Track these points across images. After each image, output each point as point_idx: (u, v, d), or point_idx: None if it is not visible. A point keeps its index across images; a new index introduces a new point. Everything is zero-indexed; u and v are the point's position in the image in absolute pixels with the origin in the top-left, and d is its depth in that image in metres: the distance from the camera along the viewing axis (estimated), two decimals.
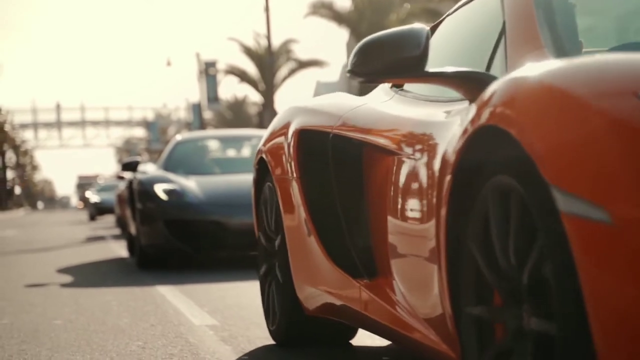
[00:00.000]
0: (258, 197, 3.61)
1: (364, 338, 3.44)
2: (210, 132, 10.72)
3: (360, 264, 2.73)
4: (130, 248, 9.24)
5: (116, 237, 14.59)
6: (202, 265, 7.78)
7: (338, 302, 2.88)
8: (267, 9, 27.47)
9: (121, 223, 15.40)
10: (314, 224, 2.97)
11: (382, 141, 2.63)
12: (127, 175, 9.52)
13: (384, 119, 2.70)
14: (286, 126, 3.25)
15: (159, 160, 8.93)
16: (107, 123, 72.26)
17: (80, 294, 5.81)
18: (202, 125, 41.33)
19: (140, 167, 8.46)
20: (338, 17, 32.07)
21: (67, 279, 6.99)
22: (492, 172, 1.82)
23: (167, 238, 7.32)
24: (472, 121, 1.86)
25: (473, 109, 1.89)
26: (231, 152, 9.23)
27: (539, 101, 1.63)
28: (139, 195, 7.66)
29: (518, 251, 1.76)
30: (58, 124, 71.05)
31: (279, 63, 37.28)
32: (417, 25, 2.29)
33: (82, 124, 71.93)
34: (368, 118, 2.79)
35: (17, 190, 69.32)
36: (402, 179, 2.42)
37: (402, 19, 25.37)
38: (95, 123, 72.37)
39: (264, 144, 3.44)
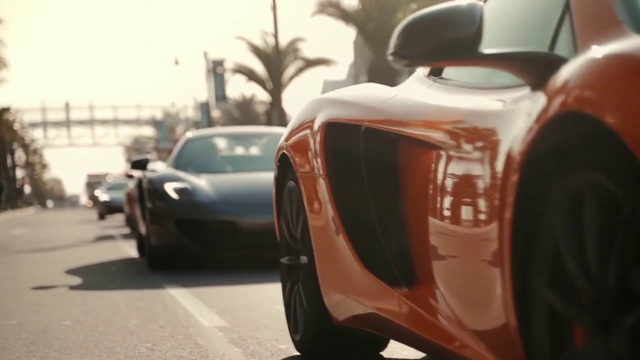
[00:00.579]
0: (279, 196, 3.34)
1: (396, 349, 3.38)
2: (221, 129, 10.43)
3: (397, 269, 2.46)
4: (140, 248, 9.12)
5: (125, 236, 14.59)
6: (211, 266, 7.75)
7: (372, 312, 2.60)
8: (274, 7, 27.43)
9: (130, 222, 15.38)
10: (344, 226, 2.70)
11: (423, 134, 2.35)
12: (137, 173, 9.40)
13: (424, 110, 2.42)
14: (311, 119, 2.99)
15: (169, 158, 8.76)
16: (116, 122, 72.43)
17: (88, 294, 5.79)
18: (210, 124, 41.35)
19: (150, 166, 8.28)
20: (345, 16, 32.02)
21: (76, 279, 6.98)
22: (573, 166, 1.60)
23: (177, 238, 7.12)
24: (544, 109, 1.62)
25: (542, 96, 1.66)
26: (243, 150, 9.03)
27: (636, 82, 1.39)
28: (148, 194, 7.49)
29: (605, 254, 1.53)
30: (67, 123, 71.25)
31: (287, 62, 37.27)
32: (470, 0, 2.00)
33: (91, 122, 72.11)
34: (405, 109, 2.52)
35: (27, 189, 69.49)
36: (449, 176, 2.15)
37: None
38: (104, 122, 72.55)
39: (287, 139, 3.19)
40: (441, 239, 2.19)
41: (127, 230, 16.41)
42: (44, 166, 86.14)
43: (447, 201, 2.15)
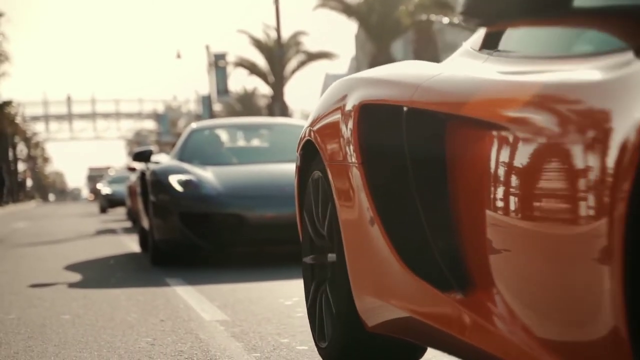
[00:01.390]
0: (302, 188, 2.99)
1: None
2: (227, 120, 9.87)
3: (447, 271, 2.10)
4: (142, 243, 8.89)
5: (127, 230, 14.54)
6: (212, 258, 7.69)
7: (413, 318, 2.25)
8: (276, 0, 27.35)
9: (132, 216, 15.33)
10: (382, 221, 2.34)
11: (484, 114, 1.95)
12: (139, 165, 9.19)
13: (485, 86, 2.01)
14: (342, 102, 2.62)
15: (173, 150, 8.44)
16: (118, 115, 72.49)
17: (89, 288, 5.74)
18: (212, 117, 41.30)
19: (154, 157, 8.01)
20: (347, 9, 31.97)
21: (76, 272, 6.93)
22: None
23: (182, 232, 6.82)
24: None
25: None
26: (250, 141, 8.75)
27: None
28: (152, 187, 7.18)
29: None
30: (69, 117, 71.33)
31: (289, 55, 37.24)
32: None
33: (92, 116, 72.19)
34: (460, 86, 2.12)
35: (29, 182, 69.57)
36: (524, 163, 1.76)
37: (412, 11, 25.26)
38: (105, 115, 72.63)
39: (312, 124, 2.83)
40: (507, 237, 1.82)
41: (128, 224, 16.38)
42: (45, 160, 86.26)
43: (519, 193, 1.76)
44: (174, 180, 7.08)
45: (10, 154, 53.95)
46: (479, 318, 1.93)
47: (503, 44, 2.26)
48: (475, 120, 1.98)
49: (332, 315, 2.71)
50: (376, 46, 31.87)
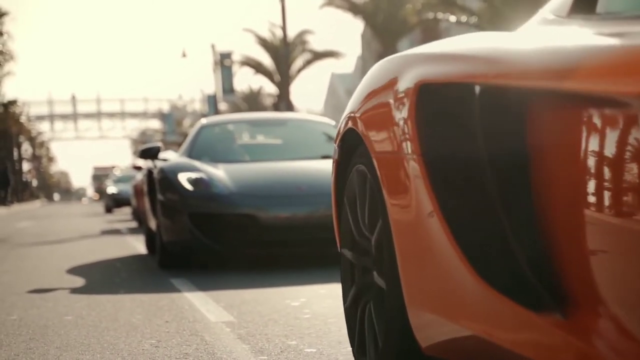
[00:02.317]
0: (340, 185, 2.62)
1: None
2: (239, 115, 9.31)
3: (539, 285, 1.70)
4: (149, 244, 8.54)
5: (132, 230, 14.47)
6: (217, 259, 7.59)
7: (489, 344, 1.83)
8: None
9: (138, 216, 15.25)
10: (448, 223, 1.92)
11: (595, 87, 1.52)
12: (146, 163, 8.80)
13: (596, 54, 1.56)
14: (393, 82, 2.21)
15: (182, 146, 8.08)
16: (123, 115, 72.64)
17: (92, 289, 5.65)
18: None
19: (161, 155, 7.66)
20: (354, 8, 31.90)
21: (80, 273, 6.85)
22: None
23: (192, 233, 6.45)
24: None
25: None
26: (263, 138, 8.34)
27: None
28: (160, 186, 6.78)
29: None
30: (74, 116, 71.50)
31: (294, 54, 37.19)
32: None
33: (97, 115, 72.34)
34: (557, 55, 1.66)
35: (34, 182, 69.68)
36: None
37: (418, 10, 25.16)
38: (110, 115, 72.80)
39: (356, 110, 2.44)
40: (619, 243, 1.47)
41: (134, 224, 16.31)
42: (50, 159, 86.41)
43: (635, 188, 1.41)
44: (183, 178, 6.72)
45: (15, 153, 54.00)
46: (585, 345, 1.56)
47: (603, 6, 1.89)
48: (579, 97, 1.56)
49: (381, 333, 2.33)
50: (382, 45, 31.78)
